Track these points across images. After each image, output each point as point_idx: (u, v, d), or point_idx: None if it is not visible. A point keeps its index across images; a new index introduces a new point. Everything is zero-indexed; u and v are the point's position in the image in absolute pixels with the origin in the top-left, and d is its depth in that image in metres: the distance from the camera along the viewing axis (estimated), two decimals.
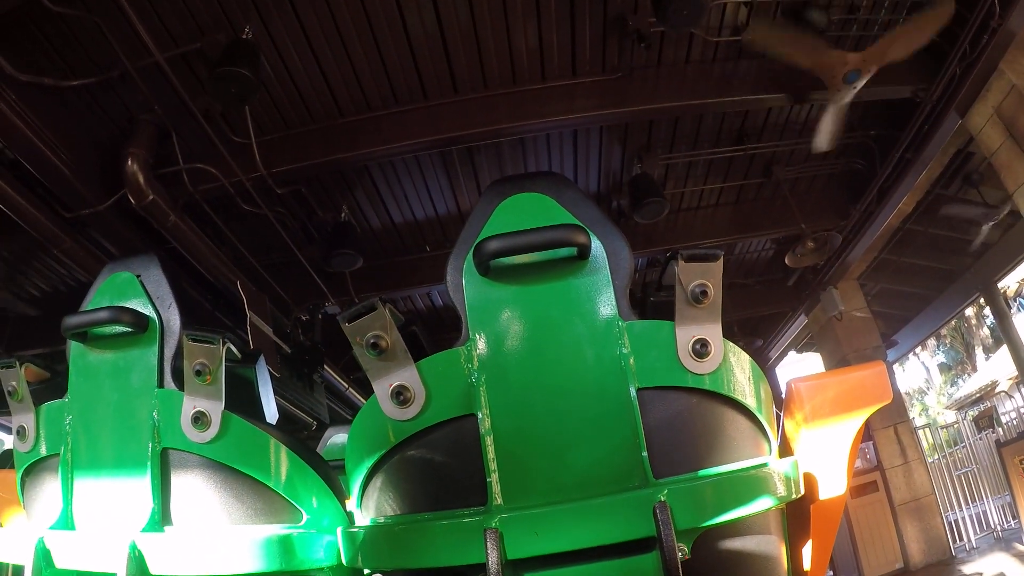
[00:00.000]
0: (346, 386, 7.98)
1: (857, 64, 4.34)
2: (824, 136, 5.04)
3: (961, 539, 8.12)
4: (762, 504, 1.18)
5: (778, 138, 5.88)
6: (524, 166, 5.68)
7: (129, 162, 4.11)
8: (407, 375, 1.21)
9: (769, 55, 4.39)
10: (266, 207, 4.97)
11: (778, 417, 1.43)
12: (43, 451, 1.48)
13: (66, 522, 1.40)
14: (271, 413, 1.89)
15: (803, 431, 1.42)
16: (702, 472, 1.19)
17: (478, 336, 1.22)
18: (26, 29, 3.70)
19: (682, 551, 1.10)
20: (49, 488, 1.47)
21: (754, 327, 10.25)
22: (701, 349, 1.21)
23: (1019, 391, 11.13)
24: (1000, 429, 9.65)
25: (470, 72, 4.59)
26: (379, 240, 6.45)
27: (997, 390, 17.54)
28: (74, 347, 1.49)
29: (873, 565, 7.63)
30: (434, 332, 1.51)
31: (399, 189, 5.79)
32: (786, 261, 7.13)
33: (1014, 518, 8.87)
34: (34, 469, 1.52)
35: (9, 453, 2.70)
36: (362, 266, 5.77)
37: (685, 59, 4.78)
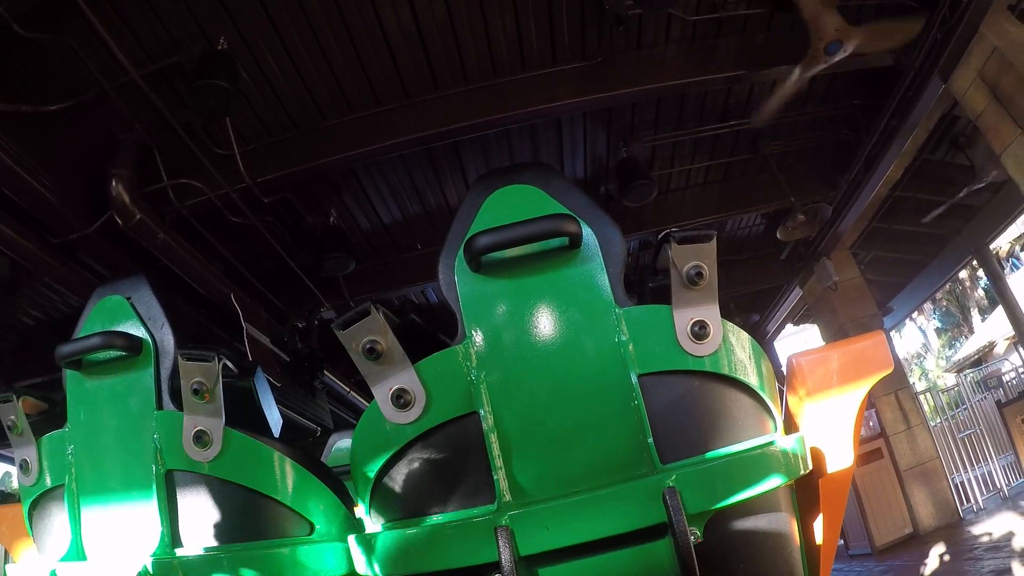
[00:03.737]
0: (347, 390, 7.96)
1: (845, 36, 4.31)
2: (766, 112, 5.05)
3: (968, 501, 8.14)
4: (771, 483, 1.18)
5: None
6: (510, 158, 5.65)
7: (113, 183, 4.09)
8: (406, 378, 1.20)
9: None
10: (254, 217, 4.95)
11: (781, 393, 1.42)
12: (48, 483, 1.47)
13: (77, 553, 1.39)
14: (275, 423, 1.88)
15: (807, 406, 1.42)
16: (709, 455, 1.19)
17: (474, 333, 1.21)
18: None
19: (694, 535, 1.10)
20: (57, 520, 1.46)
21: (749, 302, 10.27)
22: (700, 331, 1.20)
23: (1017, 350, 11.17)
24: (1000, 389, 9.70)
25: (450, 67, 4.56)
26: (370, 241, 6.43)
27: (995, 351, 17.63)
28: (70, 375, 1.48)
29: (883, 531, 7.64)
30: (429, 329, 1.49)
31: (386, 189, 5.78)
32: (778, 235, 7.15)
33: (1019, 477, 8.93)
34: (40, 502, 1.50)
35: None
36: (355, 268, 5.76)
37: (664, 40, 4.76)
